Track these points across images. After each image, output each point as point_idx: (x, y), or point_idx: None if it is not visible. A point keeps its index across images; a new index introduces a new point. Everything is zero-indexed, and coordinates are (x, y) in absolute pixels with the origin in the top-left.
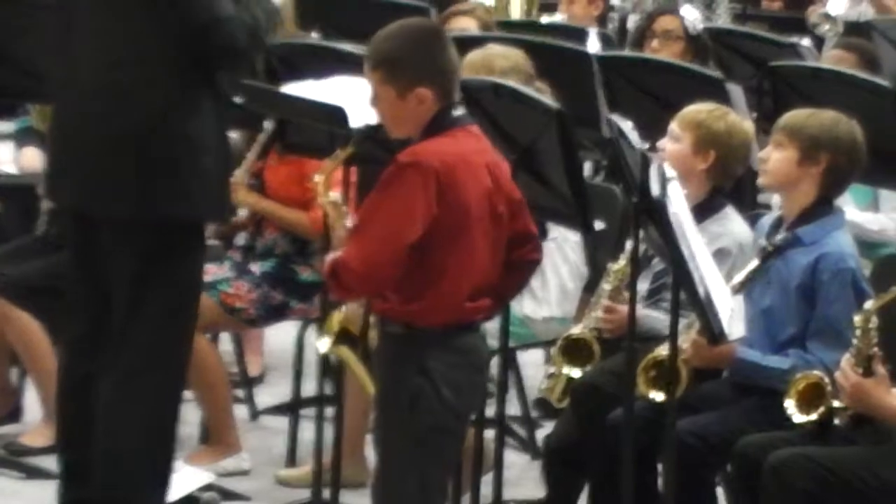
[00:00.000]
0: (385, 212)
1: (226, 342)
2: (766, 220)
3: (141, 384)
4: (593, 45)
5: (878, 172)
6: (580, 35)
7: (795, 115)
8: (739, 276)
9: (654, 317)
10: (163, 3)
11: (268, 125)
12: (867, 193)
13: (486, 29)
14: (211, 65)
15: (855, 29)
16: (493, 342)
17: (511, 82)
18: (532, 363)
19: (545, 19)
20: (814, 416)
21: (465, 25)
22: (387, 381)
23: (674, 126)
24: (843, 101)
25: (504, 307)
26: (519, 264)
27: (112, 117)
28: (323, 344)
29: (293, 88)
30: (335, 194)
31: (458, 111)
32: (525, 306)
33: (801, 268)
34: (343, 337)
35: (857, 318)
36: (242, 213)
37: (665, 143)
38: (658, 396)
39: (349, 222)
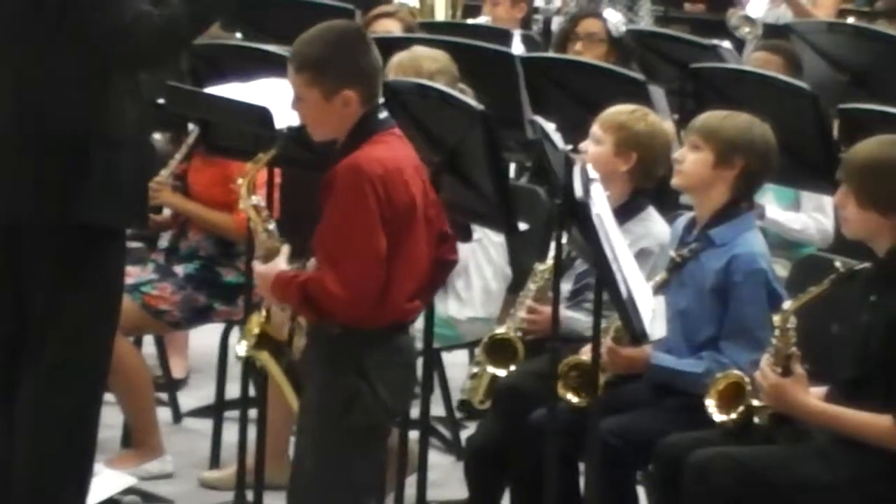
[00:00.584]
0: (349, 229)
1: (149, 345)
2: (681, 221)
3: (60, 387)
4: (517, 47)
5: (797, 174)
6: (504, 37)
7: (711, 117)
8: (652, 282)
9: (577, 318)
10: (71, 9)
11: (192, 127)
12: (789, 193)
13: (409, 31)
14: (120, 68)
15: (774, 31)
16: (418, 343)
17: (438, 84)
18: (456, 364)
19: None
20: (733, 416)
21: (390, 27)
22: (322, 382)
23: (595, 128)
24: (764, 104)
25: (427, 307)
26: (439, 264)
27: (30, 121)
28: (241, 347)
29: (217, 90)
30: (257, 198)
31: (383, 114)
32: (449, 307)
33: (715, 270)
34: (264, 342)
35: (776, 318)
36: (166, 214)
37: (587, 146)
38: (576, 399)
39: (271, 225)
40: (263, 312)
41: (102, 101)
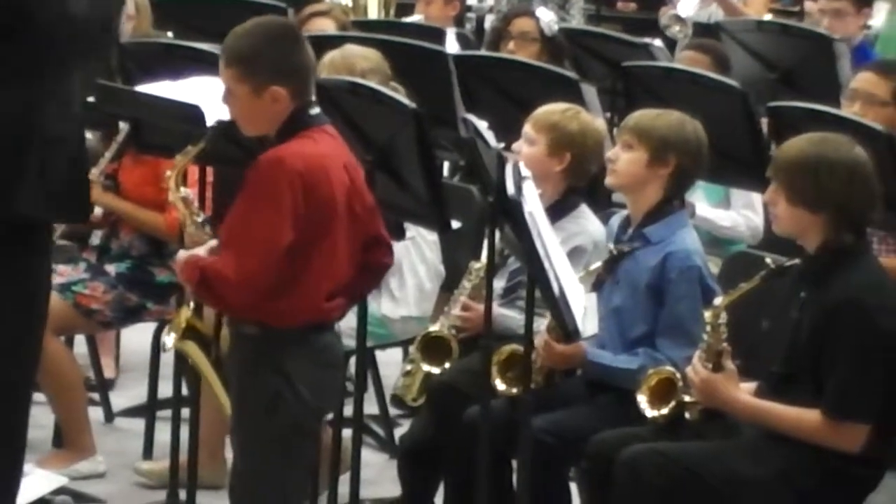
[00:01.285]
0: (256, 218)
1: (80, 344)
2: (615, 219)
3: None
4: (451, 46)
5: (726, 171)
6: (438, 35)
7: (643, 116)
8: (586, 271)
9: (511, 316)
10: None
11: (123, 125)
12: (719, 191)
13: (343, 29)
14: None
15: (704, 30)
16: (351, 342)
17: (371, 82)
18: (390, 362)
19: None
20: (665, 411)
21: (323, 26)
22: (243, 383)
23: (528, 129)
24: (694, 102)
25: (360, 306)
26: (372, 267)
27: None
28: (169, 339)
29: (148, 88)
30: (186, 190)
31: (315, 110)
32: (383, 306)
33: (650, 267)
34: (190, 334)
35: (707, 314)
36: (98, 213)
37: (520, 146)
38: (511, 390)
39: (200, 218)
40: (192, 305)
41: (38, 95)
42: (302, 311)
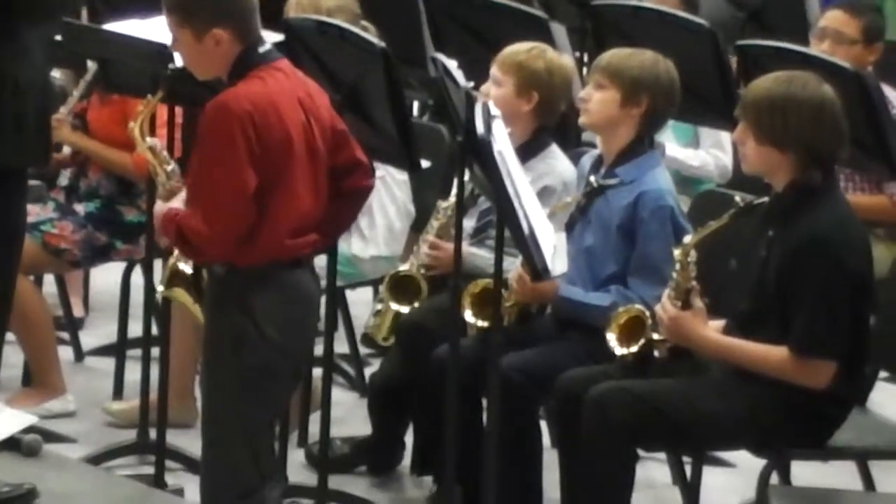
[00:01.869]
0: (217, 167)
1: (49, 284)
2: (586, 159)
3: None
4: None
5: (695, 110)
6: None
7: (615, 55)
8: (558, 204)
9: (480, 255)
10: None
11: (91, 65)
12: (688, 131)
13: None
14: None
15: None
16: (321, 281)
17: (337, 21)
18: (360, 302)
19: None
20: (634, 349)
21: None
22: (211, 322)
23: (494, 70)
24: (663, 41)
25: (335, 239)
26: (351, 193)
27: None
28: (160, 290)
29: (115, 27)
30: (153, 140)
31: (264, 48)
32: (353, 245)
33: (622, 206)
34: (176, 278)
35: (676, 253)
36: (66, 152)
37: (488, 88)
38: (481, 323)
39: (171, 166)
40: (177, 252)
41: (7, 44)
42: (264, 250)
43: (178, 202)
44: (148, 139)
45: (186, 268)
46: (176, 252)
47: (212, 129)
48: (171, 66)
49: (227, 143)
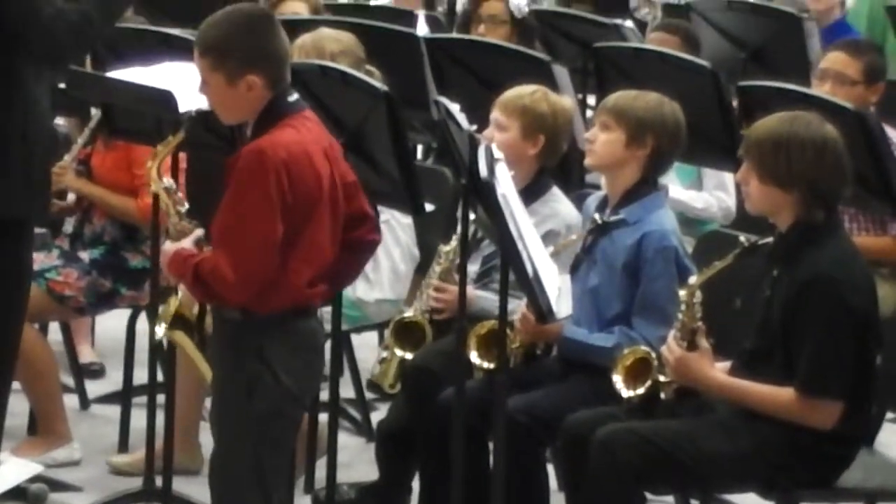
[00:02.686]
0: (248, 214)
1: (54, 331)
2: (592, 200)
3: None
4: (422, 28)
5: (698, 151)
6: (409, 18)
7: (621, 97)
8: (562, 243)
9: (485, 297)
10: None
11: (95, 111)
12: (691, 172)
13: (315, 12)
14: (31, 62)
15: (675, 10)
16: (326, 325)
17: (341, 65)
18: (365, 345)
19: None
20: (640, 391)
21: (296, 9)
22: (224, 367)
23: (498, 115)
24: (665, 82)
25: (340, 290)
26: (357, 245)
27: None
28: (159, 329)
29: (120, 73)
30: (168, 180)
31: (293, 97)
32: (357, 289)
33: (626, 247)
34: (178, 322)
35: (681, 293)
36: (71, 199)
37: (491, 133)
38: (486, 365)
39: (183, 208)
40: (180, 293)
41: (11, 91)
42: (285, 297)
43: (188, 243)
44: (164, 179)
45: (188, 311)
46: (179, 293)
47: (247, 175)
48: (193, 109)
49: (262, 191)
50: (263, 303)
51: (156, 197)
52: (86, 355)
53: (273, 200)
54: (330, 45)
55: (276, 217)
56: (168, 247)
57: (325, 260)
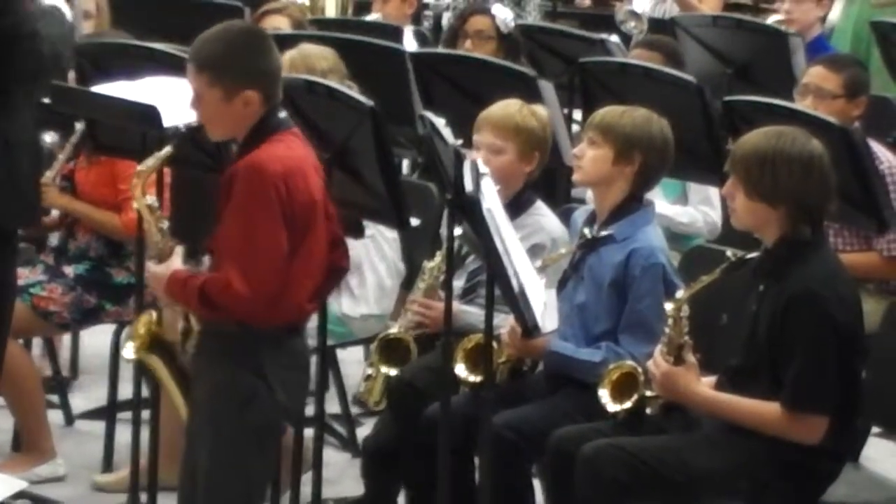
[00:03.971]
0: (254, 228)
1: (38, 346)
2: (580, 214)
3: None
4: (409, 43)
5: (683, 166)
6: (396, 33)
7: (609, 113)
8: (550, 256)
9: (471, 312)
10: None
11: (78, 126)
12: (676, 187)
13: (298, 27)
14: (15, 77)
15: (660, 26)
16: (312, 341)
17: (328, 81)
18: (351, 361)
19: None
20: (626, 406)
21: (278, 24)
22: (217, 379)
23: (490, 138)
24: (650, 97)
25: (321, 304)
26: (331, 270)
27: None
28: (128, 350)
29: (104, 88)
30: (151, 198)
31: (282, 114)
32: (343, 304)
33: (614, 264)
34: (153, 343)
35: (668, 308)
36: (54, 215)
37: (484, 157)
38: (472, 378)
39: (165, 225)
40: (154, 314)
41: (4, 113)
42: (286, 311)
43: (178, 262)
44: (147, 197)
45: (168, 334)
46: (154, 314)
47: (248, 189)
48: (182, 125)
49: (263, 204)
50: (267, 318)
51: (140, 212)
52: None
53: (276, 212)
54: (318, 63)
55: (281, 228)
56: (158, 269)
57: (321, 272)
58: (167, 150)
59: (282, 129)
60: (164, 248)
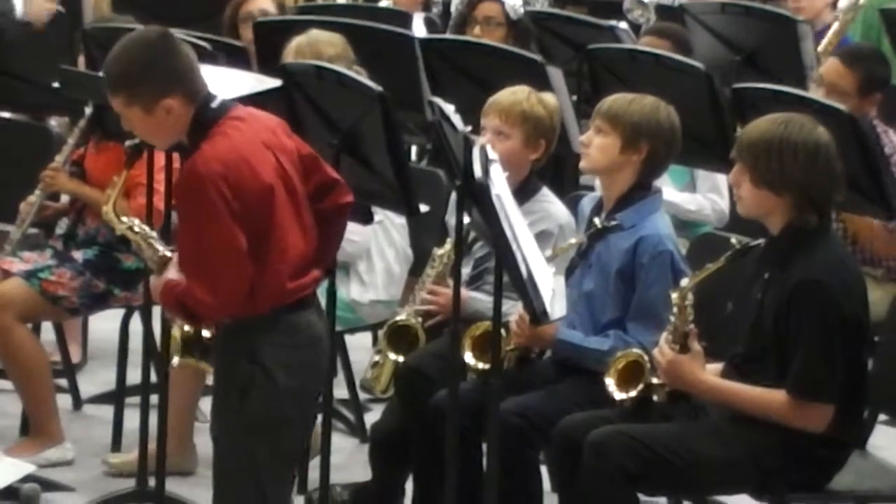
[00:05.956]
0: (205, 235)
1: (47, 331)
2: (587, 201)
3: None
4: (418, 30)
5: (692, 153)
6: (405, 19)
7: (616, 101)
8: (559, 247)
9: (479, 298)
10: None
11: (87, 111)
12: (685, 174)
13: (281, 9)
14: None
15: (669, 13)
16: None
17: (337, 67)
18: (359, 347)
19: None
20: (633, 394)
21: (263, 5)
22: (219, 372)
23: (498, 123)
24: (659, 84)
25: (329, 290)
26: (333, 213)
27: None
28: (175, 360)
29: None
30: (129, 219)
31: (215, 102)
32: (352, 290)
33: (621, 252)
34: (187, 347)
35: (673, 296)
36: (64, 201)
37: (489, 141)
38: (480, 366)
39: (153, 238)
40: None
41: None
42: (269, 298)
43: (172, 272)
44: (124, 219)
45: (191, 331)
46: (179, 322)
47: (188, 197)
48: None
49: (208, 208)
50: (249, 308)
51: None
52: (75, 356)
53: (222, 213)
54: (327, 49)
55: (231, 228)
56: (155, 281)
57: (299, 251)
58: (123, 175)
59: (219, 118)
60: (159, 260)
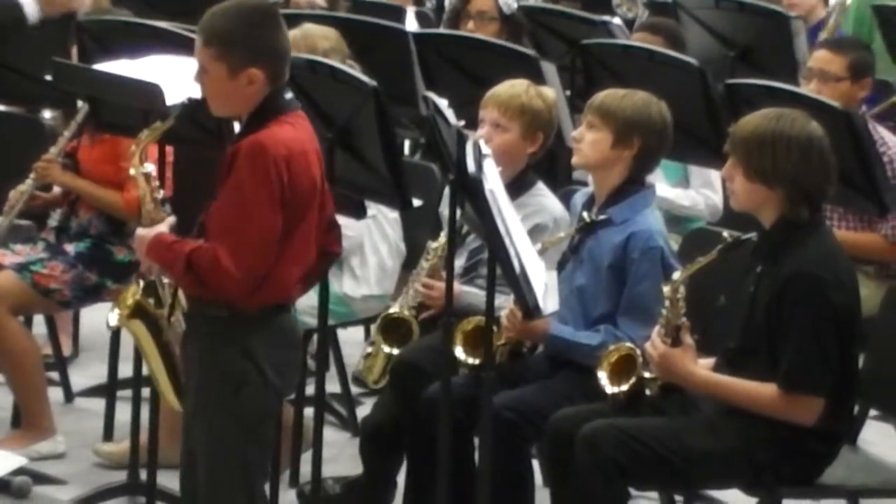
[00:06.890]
0: (251, 208)
1: (38, 324)
2: (579, 197)
3: None
4: (411, 24)
5: (685, 148)
6: (398, 13)
7: (608, 96)
8: (550, 240)
9: (472, 292)
10: None
11: (81, 104)
12: (678, 170)
13: (311, 6)
14: None
15: (662, 8)
16: (312, 321)
17: (331, 61)
18: (351, 341)
19: None
20: (625, 388)
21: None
22: (207, 364)
23: (496, 115)
24: (652, 79)
25: (322, 284)
26: (323, 253)
27: None
28: (113, 316)
29: (107, 66)
30: (149, 166)
31: (289, 95)
32: (344, 284)
33: (612, 247)
34: (139, 314)
35: (665, 289)
36: (56, 192)
37: (487, 134)
38: (471, 361)
39: (159, 195)
40: (141, 284)
41: None
42: (274, 293)
43: (164, 228)
44: (146, 164)
45: (151, 307)
46: (141, 283)
47: (249, 169)
48: (186, 97)
49: (263, 184)
50: (254, 298)
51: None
52: (66, 348)
53: (275, 195)
54: (321, 42)
55: (277, 211)
56: (143, 232)
57: (311, 259)
58: (170, 121)
59: (288, 111)
60: (155, 217)
